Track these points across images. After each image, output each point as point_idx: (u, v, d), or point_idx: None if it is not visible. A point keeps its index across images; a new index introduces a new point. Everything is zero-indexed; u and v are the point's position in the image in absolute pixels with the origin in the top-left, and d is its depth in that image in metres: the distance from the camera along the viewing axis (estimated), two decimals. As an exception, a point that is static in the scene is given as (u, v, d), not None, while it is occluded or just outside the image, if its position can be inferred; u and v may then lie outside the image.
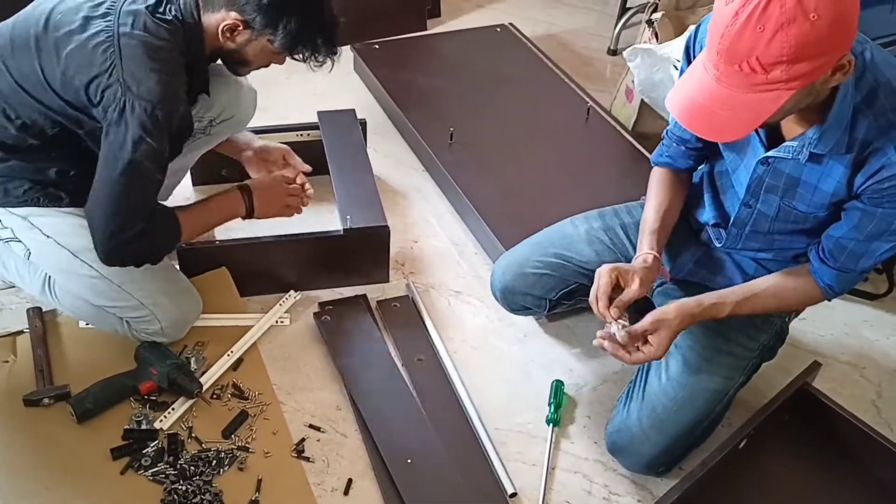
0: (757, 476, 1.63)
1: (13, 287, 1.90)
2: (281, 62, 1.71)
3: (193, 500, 1.52)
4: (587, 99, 2.67)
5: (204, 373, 1.77)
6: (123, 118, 1.49)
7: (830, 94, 1.26)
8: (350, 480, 1.61)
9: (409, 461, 1.62)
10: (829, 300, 1.52)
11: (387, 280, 2.09)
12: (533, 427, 1.75)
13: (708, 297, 1.51)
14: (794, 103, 1.20)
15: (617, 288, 1.51)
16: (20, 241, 1.68)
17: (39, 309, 1.85)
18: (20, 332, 1.82)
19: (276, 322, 1.92)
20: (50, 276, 1.75)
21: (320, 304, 1.98)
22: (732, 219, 1.57)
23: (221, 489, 1.56)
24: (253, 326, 1.89)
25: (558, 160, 2.40)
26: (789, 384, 1.68)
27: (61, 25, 1.54)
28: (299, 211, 1.92)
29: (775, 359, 1.71)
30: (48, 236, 1.66)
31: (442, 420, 1.73)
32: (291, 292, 1.99)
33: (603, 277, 1.51)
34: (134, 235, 1.57)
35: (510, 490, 1.61)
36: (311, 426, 1.71)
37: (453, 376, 1.83)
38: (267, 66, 1.72)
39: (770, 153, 1.40)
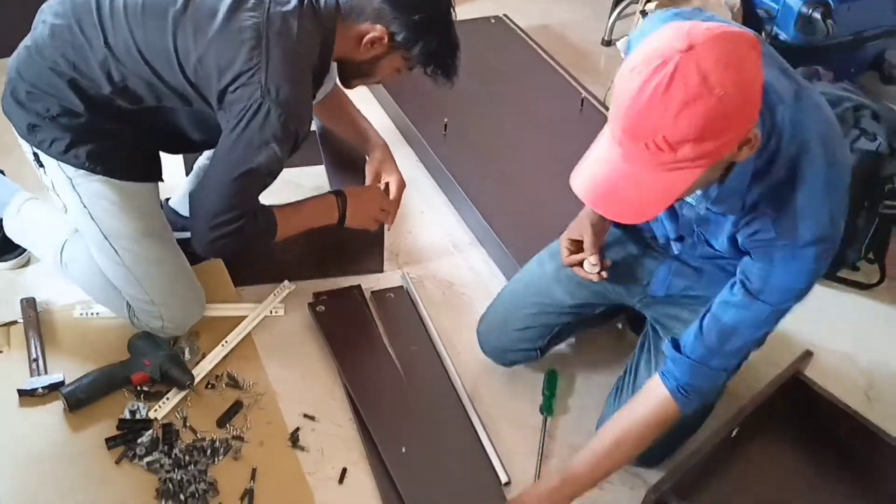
0: (748, 465, 1.64)
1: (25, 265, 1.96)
2: (396, 80, 1.73)
3: (188, 489, 1.53)
4: (581, 90, 2.67)
5: (198, 363, 1.77)
6: (256, 120, 1.47)
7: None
8: (345, 469, 1.62)
9: (403, 450, 1.63)
10: (687, 411, 1.40)
11: (381, 270, 2.09)
12: (527, 416, 1.76)
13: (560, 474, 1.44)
14: (703, 180, 1.18)
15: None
16: (59, 196, 1.69)
17: (33, 299, 1.85)
18: (13, 323, 1.82)
19: (271, 312, 1.93)
20: (63, 246, 1.78)
21: (315, 294, 1.98)
22: (675, 234, 1.55)
23: (216, 478, 1.56)
24: (247, 317, 1.89)
25: (552, 151, 2.40)
26: (781, 373, 1.69)
27: (203, 9, 1.51)
28: (387, 223, 1.94)
29: (766, 349, 1.71)
30: (85, 207, 1.66)
31: (436, 409, 1.74)
32: (285, 282, 1.99)
33: (564, 254, 1.62)
34: (233, 230, 1.57)
35: (504, 479, 1.62)
36: (305, 416, 1.71)
37: (448, 366, 1.83)
38: (383, 81, 1.74)
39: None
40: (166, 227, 1.77)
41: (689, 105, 1.04)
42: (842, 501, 1.61)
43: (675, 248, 1.59)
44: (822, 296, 2.15)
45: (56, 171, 1.65)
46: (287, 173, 2.34)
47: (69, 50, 1.54)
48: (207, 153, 1.94)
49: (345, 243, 2.01)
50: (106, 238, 1.67)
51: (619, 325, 1.91)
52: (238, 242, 1.61)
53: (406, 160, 2.51)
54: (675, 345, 1.41)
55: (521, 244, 2.01)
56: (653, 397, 1.40)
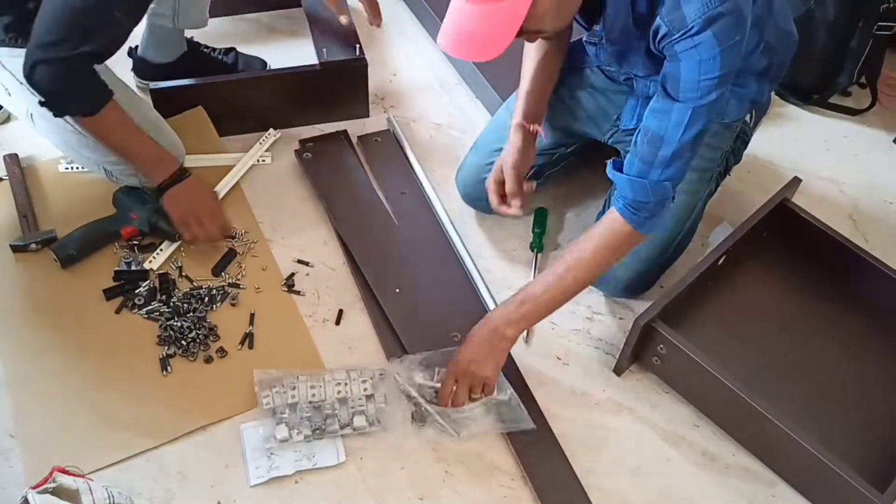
0: (735, 292, 1.68)
1: (5, 122, 1.94)
2: None
3: (189, 335, 1.57)
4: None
5: (188, 213, 1.77)
6: None
7: None
8: (341, 311, 1.66)
9: (397, 290, 1.66)
10: (642, 230, 1.40)
11: (367, 115, 2.06)
12: (517, 254, 1.79)
13: (516, 298, 1.47)
14: (555, 7, 1.21)
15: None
16: None
17: (16, 155, 1.83)
18: (-1, 180, 1.81)
19: (258, 161, 1.91)
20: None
21: (301, 141, 1.96)
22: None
23: (216, 324, 1.60)
24: (234, 166, 1.87)
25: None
26: (768, 201, 1.70)
27: None
28: (201, 239, 1.70)
29: (754, 176, 1.72)
30: (21, 82, 1.60)
31: (428, 251, 1.77)
32: (271, 130, 1.97)
33: (490, 192, 1.64)
34: (55, 59, 1.46)
35: (496, 313, 1.66)
36: (299, 261, 1.74)
37: (437, 208, 1.84)
38: None
39: (586, 38, 1.48)
40: (117, 80, 1.70)
41: None
42: (829, 324, 1.66)
43: (635, 87, 1.61)
44: (812, 121, 2.14)
45: None
46: (264, 16, 2.30)
47: None
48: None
49: (328, 88, 1.96)
50: None
51: (607, 162, 1.90)
52: (56, 77, 1.49)
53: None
54: (618, 166, 1.42)
55: (507, 82, 1.96)
56: (606, 220, 1.42)
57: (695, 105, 1.28)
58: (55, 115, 1.56)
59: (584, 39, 1.58)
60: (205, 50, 2.04)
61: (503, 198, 1.64)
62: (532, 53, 1.65)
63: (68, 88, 1.53)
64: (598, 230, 1.43)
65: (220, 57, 2.05)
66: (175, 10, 1.90)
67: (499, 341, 1.45)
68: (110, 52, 1.55)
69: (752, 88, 1.56)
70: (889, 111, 2.17)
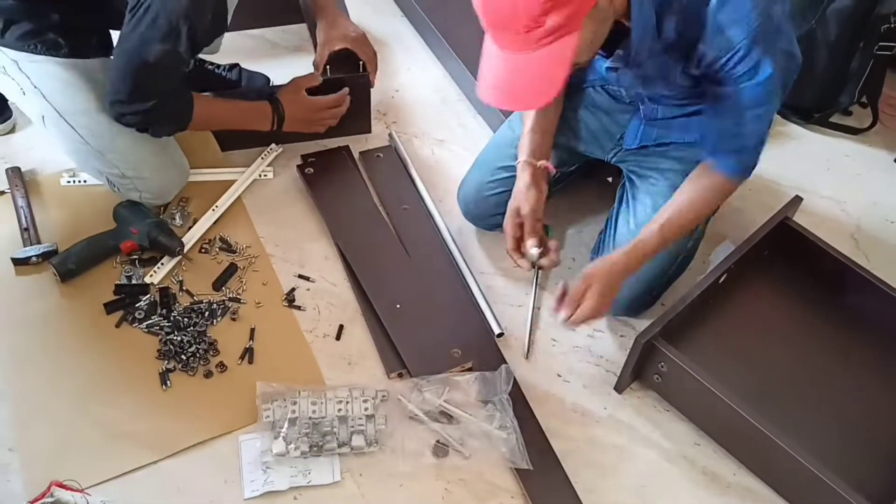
0: (737, 310, 1.68)
1: (10, 133, 1.95)
2: None
3: (189, 350, 1.56)
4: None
5: (190, 228, 1.77)
6: (146, 17, 1.48)
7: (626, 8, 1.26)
8: (341, 326, 1.65)
9: (397, 306, 1.66)
10: (743, 179, 1.51)
11: (369, 130, 2.06)
12: (518, 270, 1.77)
13: (628, 244, 1.50)
14: (589, 41, 1.22)
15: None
16: (13, 79, 1.66)
17: (18, 168, 1.83)
18: (1, 193, 1.81)
19: (260, 175, 1.91)
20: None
21: (303, 156, 1.96)
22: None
23: (216, 338, 1.60)
24: (236, 181, 1.88)
25: None
26: (770, 219, 1.70)
27: None
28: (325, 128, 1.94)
29: (756, 195, 1.72)
30: (35, 86, 1.64)
31: (429, 266, 1.76)
32: (273, 145, 1.97)
33: (507, 233, 1.61)
34: (134, 112, 1.59)
35: (497, 330, 1.65)
36: (300, 276, 1.73)
37: (439, 224, 1.84)
38: None
39: (608, 63, 1.46)
40: None
41: None
42: (830, 342, 1.65)
43: (640, 109, 1.62)
44: (813, 140, 2.15)
45: (1, 56, 1.63)
46: (268, 32, 2.32)
47: None
48: None
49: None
50: (62, 116, 1.65)
51: (609, 179, 1.90)
52: (143, 122, 1.63)
53: (390, 15, 2.44)
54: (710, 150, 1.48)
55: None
56: (711, 180, 1.49)
57: (763, 108, 1.36)
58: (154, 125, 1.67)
59: (605, 65, 1.55)
60: (209, 66, 2.05)
61: (518, 241, 1.62)
62: None
63: (157, 126, 1.67)
64: (700, 188, 1.49)
65: (224, 73, 2.06)
66: None
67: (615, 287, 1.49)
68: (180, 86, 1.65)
69: None
70: (890, 130, 2.17)
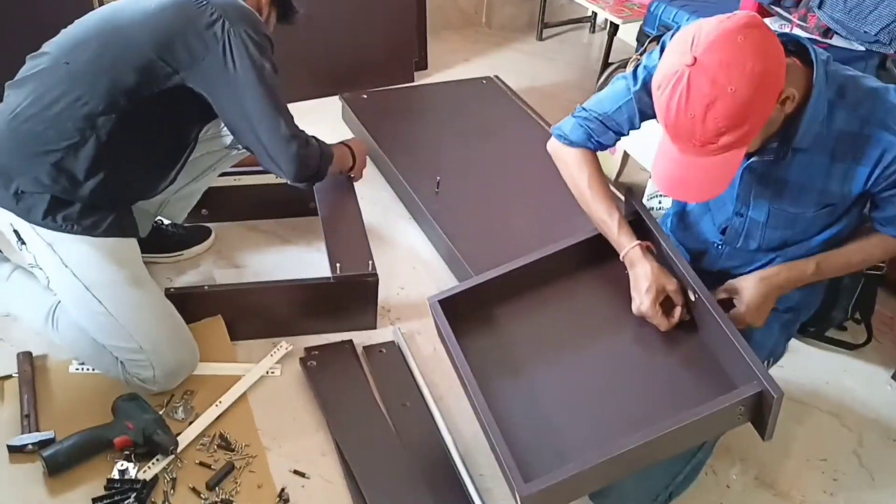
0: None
1: (7, 315, 1.96)
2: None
3: (177, 550, 1.51)
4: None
5: (191, 422, 1.76)
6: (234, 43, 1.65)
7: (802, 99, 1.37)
8: (335, 529, 1.61)
9: (394, 508, 1.62)
10: None
11: (374, 326, 2.10)
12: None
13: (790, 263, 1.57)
14: (758, 143, 1.38)
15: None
16: (41, 269, 1.71)
17: (30, 354, 1.85)
18: (8, 377, 1.81)
19: (267, 373, 1.92)
20: (55, 308, 1.78)
21: (306, 349, 1.99)
22: (724, 233, 1.65)
23: (205, 541, 1.55)
24: (243, 377, 1.88)
25: (544, 210, 2.43)
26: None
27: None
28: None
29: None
30: (66, 266, 1.69)
31: (427, 466, 1.74)
32: (283, 343, 1.99)
33: (657, 319, 1.56)
34: (304, 140, 1.79)
35: (495, 537, 1.61)
36: (295, 472, 1.71)
37: (439, 422, 1.83)
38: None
39: (754, 159, 1.49)
40: (150, 279, 1.81)
41: (709, 108, 1.24)
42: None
43: (720, 251, 1.69)
44: (811, 355, 2.17)
45: (34, 241, 1.69)
46: (280, 226, 2.40)
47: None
48: None
49: (338, 299, 2.02)
50: (87, 289, 1.69)
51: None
52: (313, 151, 1.82)
53: (398, 216, 2.55)
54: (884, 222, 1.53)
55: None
56: (882, 238, 1.55)
57: None
58: (318, 182, 1.91)
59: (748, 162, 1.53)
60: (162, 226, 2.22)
61: (667, 316, 1.57)
62: (592, 171, 1.70)
63: (319, 158, 1.86)
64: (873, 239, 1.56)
65: (168, 228, 2.24)
66: (163, 203, 2.05)
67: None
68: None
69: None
70: (886, 347, 2.21)
